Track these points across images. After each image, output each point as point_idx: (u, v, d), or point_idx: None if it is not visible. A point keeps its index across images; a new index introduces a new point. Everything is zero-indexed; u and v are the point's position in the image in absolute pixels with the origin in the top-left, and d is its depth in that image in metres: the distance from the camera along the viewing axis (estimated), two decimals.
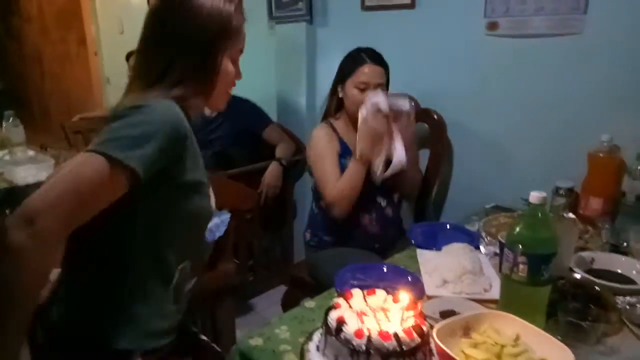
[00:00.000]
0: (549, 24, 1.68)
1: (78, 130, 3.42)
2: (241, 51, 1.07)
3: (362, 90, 1.68)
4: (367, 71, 1.68)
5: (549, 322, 0.97)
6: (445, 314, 1.06)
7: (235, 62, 1.07)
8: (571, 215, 1.40)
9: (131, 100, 0.95)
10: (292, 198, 2.60)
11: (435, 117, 1.93)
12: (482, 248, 1.41)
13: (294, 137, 2.47)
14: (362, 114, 1.63)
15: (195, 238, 1.11)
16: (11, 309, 0.80)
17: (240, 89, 2.58)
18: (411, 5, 2.04)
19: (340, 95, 1.75)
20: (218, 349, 1.26)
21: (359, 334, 0.85)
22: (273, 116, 2.58)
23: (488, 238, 1.42)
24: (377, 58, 1.72)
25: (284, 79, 2.62)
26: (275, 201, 2.46)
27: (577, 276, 1.17)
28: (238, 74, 1.09)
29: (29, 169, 2.12)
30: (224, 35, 1.00)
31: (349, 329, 0.86)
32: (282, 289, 2.32)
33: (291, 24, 2.47)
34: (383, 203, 1.79)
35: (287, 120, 2.60)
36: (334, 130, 1.77)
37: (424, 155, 1.98)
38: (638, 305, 1.03)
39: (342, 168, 1.73)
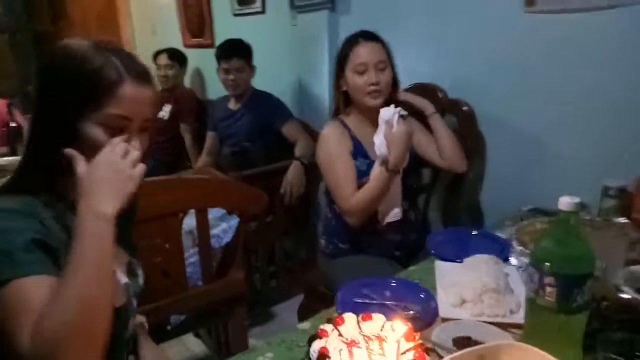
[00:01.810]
0: None
1: None
2: (125, 118, 0.84)
3: (362, 73, 1.54)
4: (362, 51, 1.54)
5: (585, 359, 0.79)
6: (460, 342, 0.90)
7: (117, 131, 0.84)
8: (623, 219, 1.20)
9: None
10: (315, 198, 2.47)
11: (465, 108, 1.73)
12: (512, 259, 1.22)
13: (314, 134, 2.35)
14: (384, 121, 1.49)
15: None
16: None
17: (260, 83, 2.53)
18: None
19: (344, 88, 1.61)
20: None
21: None
22: (294, 111, 2.48)
23: (520, 248, 1.22)
24: (370, 35, 1.58)
25: (305, 71, 2.50)
26: (297, 202, 2.35)
27: (626, 296, 0.97)
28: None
29: None
30: (81, 97, 0.82)
31: None
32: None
33: (313, 12, 2.34)
34: (405, 206, 1.62)
35: (308, 115, 2.48)
36: (346, 127, 1.62)
37: None
38: None
39: (356, 169, 1.58)
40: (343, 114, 1.65)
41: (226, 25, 3.05)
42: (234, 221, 1.69)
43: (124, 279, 0.96)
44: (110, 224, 0.77)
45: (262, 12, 2.73)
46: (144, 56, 4.08)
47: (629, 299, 0.96)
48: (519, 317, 0.96)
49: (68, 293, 0.72)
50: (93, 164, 0.80)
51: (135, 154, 0.82)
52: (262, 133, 2.37)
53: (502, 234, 1.38)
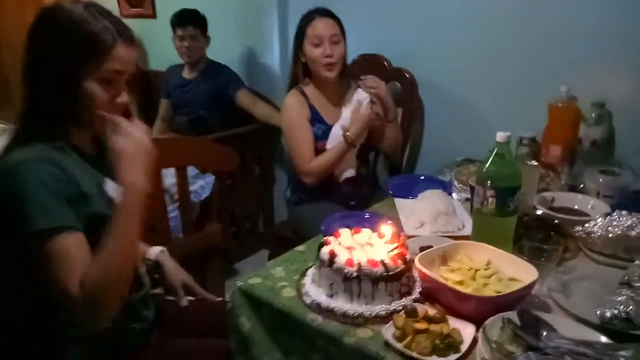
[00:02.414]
0: None
1: None
2: (118, 72, 0.98)
3: (318, 45, 1.73)
4: (318, 25, 1.74)
5: (515, 249, 1.09)
6: (425, 249, 1.17)
7: (109, 83, 0.97)
8: (534, 162, 1.53)
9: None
10: (271, 163, 2.66)
11: (407, 75, 2.01)
12: (454, 195, 1.52)
13: (267, 101, 2.51)
14: (356, 99, 1.71)
15: None
16: None
17: (212, 54, 2.63)
18: None
19: (304, 60, 1.79)
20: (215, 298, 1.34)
21: (350, 263, 0.95)
22: (245, 79, 2.60)
23: (459, 185, 1.53)
24: (325, 12, 1.78)
25: (254, 42, 2.64)
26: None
27: (540, 212, 1.30)
28: (116, 96, 0.99)
29: (1, 140, 2.10)
30: (81, 57, 0.94)
31: (341, 259, 0.96)
32: (264, 253, 2.41)
33: None
34: (358, 163, 1.87)
35: (259, 84, 2.63)
36: (304, 95, 1.82)
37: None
38: (592, 233, 1.16)
39: (313, 133, 1.79)
40: (302, 84, 1.84)
41: None
42: (210, 178, 1.86)
43: None
44: (143, 196, 0.95)
45: None
46: None
47: (540, 214, 1.29)
48: (465, 232, 1.25)
49: (114, 251, 0.91)
50: (125, 139, 0.95)
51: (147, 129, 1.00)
52: (217, 102, 2.49)
53: (442, 178, 1.68)
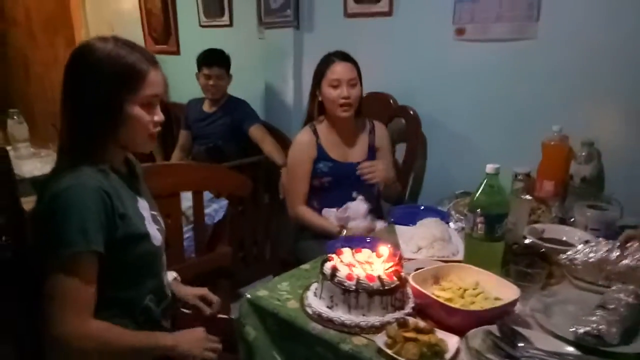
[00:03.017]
0: (508, 29, 1.93)
1: None
2: (155, 95, 1.10)
3: (336, 87, 1.82)
4: (337, 69, 1.83)
5: (503, 272, 1.18)
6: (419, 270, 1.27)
7: (148, 106, 1.10)
8: (528, 197, 1.63)
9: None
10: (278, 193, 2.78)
11: (411, 112, 2.14)
12: (451, 224, 1.62)
13: (280, 136, 2.66)
14: (373, 226, 1.80)
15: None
16: None
17: (233, 89, 2.81)
18: (389, 13, 2.27)
19: (320, 98, 1.89)
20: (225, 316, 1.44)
21: (349, 277, 1.05)
22: (262, 115, 2.77)
23: (457, 215, 1.63)
24: (345, 56, 1.87)
25: (272, 80, 2.81)
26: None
27: (528, 241, 1.39)
28: (154, 117, 1.12)
29: (34, 162, 2.27)
30: (123, 85, 1.06)
31: (342, 274, 1.06)
32: (269, 279, 2.49)
33: (279, 29, 2.67)
34: (359, 198, 1.97)
35: (275, 118, 2.79)
36: (316, 134, 1.92)
37: (401, 149, 2.20)
38: (575, 260, 1.25)
39: (316, 172, 1.90)
40: (316, 121, 1.95)
41: (193, 35, 3.29)
42: (224, 202, 1.98)
43: (162, 223, 1.24)
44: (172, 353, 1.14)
45: (230, 25, 3.01)
46: None
47: (529, 242, 1.39)
48: (459, 257, 1.35)
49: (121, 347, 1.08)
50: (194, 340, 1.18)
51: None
52: (234, 134, 2.64)
53: (442, 209, 1.78)
